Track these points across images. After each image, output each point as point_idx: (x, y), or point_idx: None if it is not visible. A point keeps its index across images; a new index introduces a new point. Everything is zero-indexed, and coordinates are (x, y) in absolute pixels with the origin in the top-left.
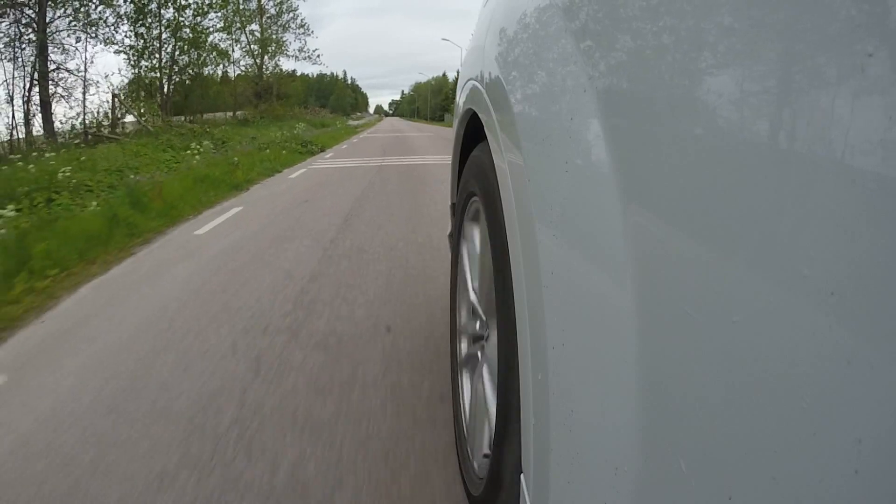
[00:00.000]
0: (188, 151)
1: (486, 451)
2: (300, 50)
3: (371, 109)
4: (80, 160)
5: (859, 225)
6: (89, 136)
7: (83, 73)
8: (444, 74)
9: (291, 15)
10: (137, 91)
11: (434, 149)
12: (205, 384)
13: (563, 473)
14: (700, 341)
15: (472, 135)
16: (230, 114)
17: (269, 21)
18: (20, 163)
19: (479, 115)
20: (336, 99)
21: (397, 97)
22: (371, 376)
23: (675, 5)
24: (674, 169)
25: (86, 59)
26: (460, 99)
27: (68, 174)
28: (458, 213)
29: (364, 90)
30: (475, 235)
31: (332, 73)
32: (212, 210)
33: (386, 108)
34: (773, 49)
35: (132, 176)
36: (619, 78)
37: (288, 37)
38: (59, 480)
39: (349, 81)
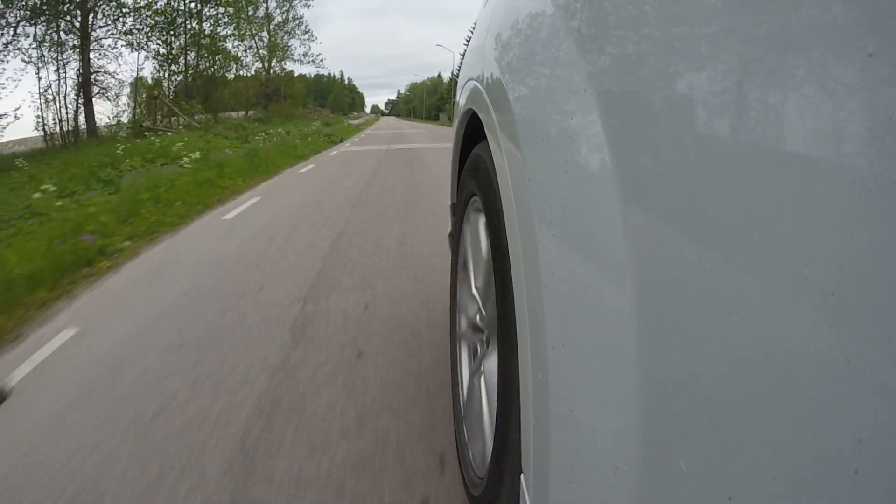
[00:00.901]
0: (257, 138)
1: (487, 451)
2: (304, 54)
3: (368, 109)
4: (184, 141)
5: (859, 225)
6: (143, 127)
7: (135, 76)
8: (439, 75)
9: (296, 22)
10: (171, 92)
11: (428, 140)
12: (343, 196)
13: (563, 473)
14: (700, 341)
15: (472, 135)
16: (243, 113)
17: (276, 28)
18: (153, 138)
19: (479, 115)
20: (334, 99)
21: (393, 97)
22: (402, 191)
23: (675, 5)
24: (674, 169)
25: (138, 63)
26: (460, 99)
27: (181, 147)
28: (458, 212)
29: (360, 90)
30: (475, 235)
31: (330, 74)
32: (297, 166)
33: (382, 107)
34: (773, 49)
35: (227, 151)
36: (619, 78)
37: (293, 42)
38: (296, 212)
39: (346, 81)
